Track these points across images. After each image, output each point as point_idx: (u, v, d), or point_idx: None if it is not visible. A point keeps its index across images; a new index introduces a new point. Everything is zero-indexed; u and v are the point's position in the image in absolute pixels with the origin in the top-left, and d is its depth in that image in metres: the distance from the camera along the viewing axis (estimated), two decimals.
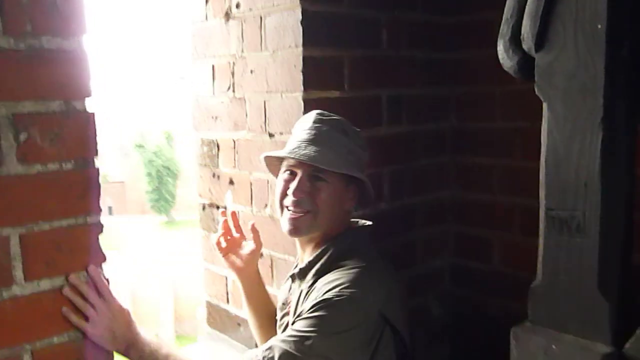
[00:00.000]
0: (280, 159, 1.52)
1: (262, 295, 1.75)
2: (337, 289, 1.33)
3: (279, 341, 1.33)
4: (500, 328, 2.09)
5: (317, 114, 1.50)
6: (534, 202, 2.04)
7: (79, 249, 1.21)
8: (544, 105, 1.00)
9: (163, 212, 33.52)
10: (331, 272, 1.40)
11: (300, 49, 1.75)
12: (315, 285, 1.41)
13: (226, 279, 2.20)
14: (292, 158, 1.43)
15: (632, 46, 0.88)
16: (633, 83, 0.89)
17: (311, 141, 1.44)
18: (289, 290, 1.59)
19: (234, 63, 2.01)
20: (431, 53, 2.18)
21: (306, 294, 1.43)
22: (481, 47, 2.15)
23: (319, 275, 1.43)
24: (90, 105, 1.20)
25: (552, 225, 1.01)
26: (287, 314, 1.56)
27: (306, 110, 1.76)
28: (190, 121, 2.26)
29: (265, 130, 1.91)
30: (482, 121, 2.21)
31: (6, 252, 1.11)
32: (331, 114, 1.51)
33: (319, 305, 1.32)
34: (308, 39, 1.75)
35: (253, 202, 2.02)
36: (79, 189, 1.21)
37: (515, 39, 1.03)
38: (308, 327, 1.31)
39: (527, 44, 1.01)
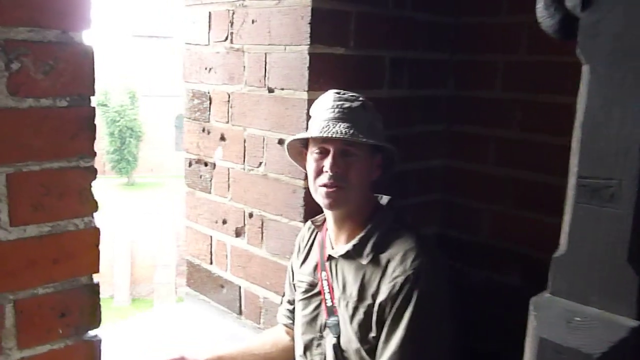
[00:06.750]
0: (303, 142, 1.60)
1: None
2: (415, 262, 1.43)
3: None
4: (481, 298, 2.10)
5: (335, 93, 1.57)
6: (528, 175, 2.05)
7: (70, 194, 1.12)
8: (585, 68, 0.94)
9: (124, 174, 32.89)
10: (395, 245, 1.49)
11: None
12: (382, 258, 1.49)
13: (210, 238, 2.12)
14: (325, 137, 1.49)
15: None
16: None
17: (338, 119, 1.51)
18: (316, 272, 1.64)
19: (233, 12, 1.89)
20: (434, 16, 2.12)
21: (380, 271, 1.48)
22: (486, 14, 2.10)
23: (376, 249, 1.51)
24: (89, 38, 1.10)
25: (582, 194, 0.96)
26: (318, 294, 1.62)
27: (311, 65, 1.68)
28: (181, 71, 2.15)
29: (265, 84, 1.82)
30: (481, 90, 2.16)
31: None
32: (347, 92, 1.56)
33: (414, 299, 1.41)
34: None
35: (245, 159, 1.93)
36: (73, 129, 1.10)
37: None
38: (424, 336, 1.43)
39: (572, 1, 0.94)
